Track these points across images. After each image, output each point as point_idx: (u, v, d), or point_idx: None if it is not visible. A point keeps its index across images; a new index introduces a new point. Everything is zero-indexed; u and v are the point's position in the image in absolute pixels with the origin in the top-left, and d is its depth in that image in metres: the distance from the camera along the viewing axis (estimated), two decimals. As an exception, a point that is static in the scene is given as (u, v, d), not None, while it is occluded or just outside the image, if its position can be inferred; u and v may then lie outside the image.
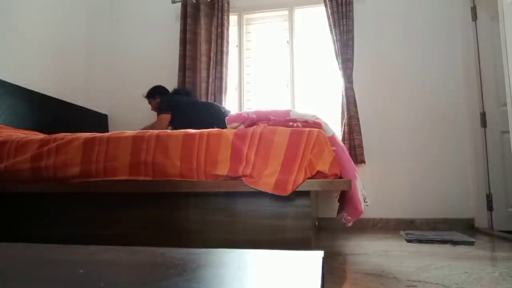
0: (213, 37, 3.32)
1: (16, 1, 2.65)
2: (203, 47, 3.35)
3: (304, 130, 1.68)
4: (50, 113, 2.81)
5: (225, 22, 3.31)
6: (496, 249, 2.10)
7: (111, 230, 1.80)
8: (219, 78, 3.24)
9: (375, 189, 3.07)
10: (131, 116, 3.05)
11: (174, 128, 2.67)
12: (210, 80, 3.27)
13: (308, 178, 1.60)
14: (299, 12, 3.46)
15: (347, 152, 1.81)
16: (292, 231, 1.65)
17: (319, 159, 1.62)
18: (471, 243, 2.24)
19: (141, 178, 1.73)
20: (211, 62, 3.30)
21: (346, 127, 3.03)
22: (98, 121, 3.40)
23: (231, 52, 3.42)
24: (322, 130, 1.72)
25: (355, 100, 3.05)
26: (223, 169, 1.66)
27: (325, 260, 0.62)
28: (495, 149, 2.89)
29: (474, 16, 3.04)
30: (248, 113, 1.85)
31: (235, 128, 1.83)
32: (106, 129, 3.50)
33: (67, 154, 1.80)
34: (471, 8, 3.05)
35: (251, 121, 1.84)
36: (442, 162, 3.03)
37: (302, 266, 0.59)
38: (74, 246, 0.76)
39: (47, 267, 0.62)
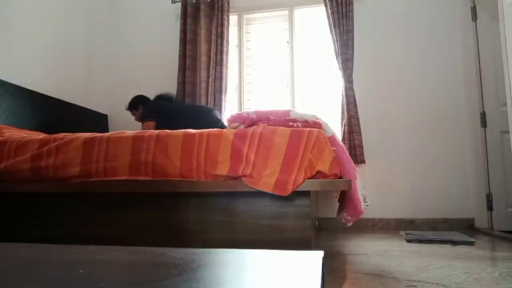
0: (213, 37, 3.32)
1: (16, 1, 2.66)
2: (203, 47, 3.35)
3: (304, 130, 1.68)
4: (50, 113, 2.81)
5: (225, 22, 3.31)
6: (496, 249, 2.10)
7: (111, 230, 1.80)
8: (219, 78, 3.24)
9: (375, 189, 3.07)
10: (131, 116, 3.05)
11: None
12: (210, 80, 3.27)
13: (308, 178, 1.60)
14: (299, 12, 3.46)
15: (347, 152, 1.81)
16: (292, 231, 1.65)
17: (319, 159, 1.62)
18: (471, 243, 2.24)
19: (141, 178, 1.73)
20: (211, 62, 3.30)
21: (346, 127, 3.03)
22: (98, 121, 3.40)
23: (231, 52, 3.42)
24: (322, 130, 1.72)
25: (355, 100, 3.05)
26: (223, 169, 1.66)
27: (325, 260, 0.62)
28: (495, 149, 2.89)
29: (474, 16, 3.04)
30: (248, 113, 1.85)
31: (235, 128, 1.83)
32: (106, 129, 3.50)
33: (67, 154, 1.80)
34: (471, 8, 3.05)
35: (251, 121, 1.84)
36: (442, 162, 3.03)
37: (302, 266, 0.59)
38: (74, 246, 0.76)
39: (47, 267, 0.62)
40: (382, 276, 1.51)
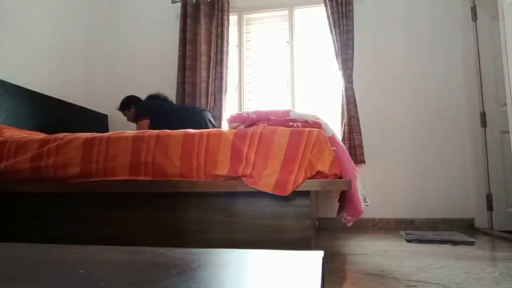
0: (213, 37, 3.32)
1: (16, 1, 2.66)
2: (203, 47, 3.35)
3: (304, 130, 1.68)
4: (50, 113, 2.81)
5: (225, 22, 3.31)
6: (496, 249, 2.10)
7: (111, 230, 1.80)
8: (219, 78, 3.24)
9: (375, 189, 3.07)
10: (131, 116, 3.06)
11: None
12: (210, 80, 3.27)
13: (308, 178, 1.60)
14: (299, 12, 3.46)
15: (347, 152, 1.81)
16: (292, 231, 1.65)
17: (319, 159, 1.62)
18: (471, 243, 2.24)
19: (141, 178, 1.73)
20: (211, 62, 3.30)
21: (346, 127, 3.03)
22: (98, 121, 3.40)
23: (231, 52, 3.42)
24: (322, 130, 1.72)
25: (355, 100, 3.05)
26: (223, 169, 1.66)
27: (325, 260, 0.62)
28: (495, 149, 2.89)
29: (474, 16, 3.04)
30: (248, 113, 1.85)
31: (235, 128, 1.83)
32: (106, 129, 3.50)
33: (67, 154, 1.80)
34: (471, 8, 3.05)
35: (251, 121, 1.84)
36: (442, 162, 3.03)
37: (302, 266, 0.59)
38: (74, 246, 0.76)
39: (47, 267, 0.62)
40: (382, 276, 1.51)
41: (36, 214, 1.88)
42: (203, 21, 3.37)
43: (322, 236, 2.69)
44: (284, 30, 3.47)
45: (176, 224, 1.74)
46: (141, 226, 1.78)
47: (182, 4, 3.43)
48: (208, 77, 3.32)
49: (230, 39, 3.36)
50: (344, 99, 3.06)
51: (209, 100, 3.24)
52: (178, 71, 3.37)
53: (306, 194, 1.64)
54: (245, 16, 3.54)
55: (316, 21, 3.41)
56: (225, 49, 3.28)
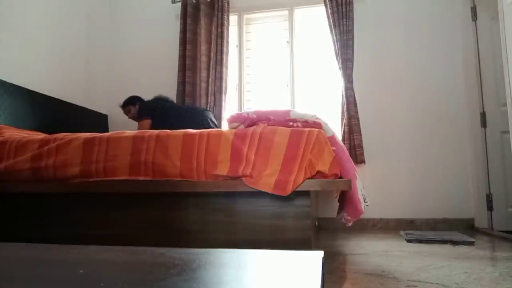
0: (213, 37, 3.32)
1: (16, 1, 2.65)
2: (203, 47, 3.35)
3: (304, 130, 1.68)
4: (50, 113, 2.81)
5: (225, 22, 3.31)
6: (496, 249, 2.10)
7: (111, 230, 1.80)
8: (219, 78, 3.24)
9: (375, 189, 3.07)
10: (131, 116, 3.06)
11: None
12: (210, 80, 3.27)
13: (308, 178, 1.60)
14: (299, 12, 3.46)
15: (347, 152, 1.81)
16: (292, 231, 1.65)
17: (319, 159, 1.62)
18: (471, 243, 2.24)
19: (141, 178, 1.73)
20: (211, 62, 3.30)
21: (346, 127, 3.03)
22: (98, 121, 3.40)
23: (231, 52, 3.42)
24: (322, 130, 1.72)
25: (355, 100, 3.05)
26: (223, 169, 1.66)
27: (325, 260, 0.62)
28: (495, 149, 2.89)
29: (474, 16, 3.04)
30: (248, 113, 1.85)
31: (235, 128, 1.83)
32: (106, 129, 3.50)
33: (67, 154, 1.80)
34: (471, 8, 3.05)
35: (251, 121, 1.84)
36: (442, 162, 3.03)
37: (302, 266, 0.59)
38: (74, 246, 0.76)
39: (47, 267, 0.62)
40: (382, 276, 1.51)
41: (36, 214, 1.88)
42: (203, 21, 3.37)
43: (322, 236, 2.69)
44: (284, 30, 3.47)
45: (176, 224, 1.74)
46: (141, 226, 1.78)
47: (182, 4, 3.43)
48: (208, 77, 3.32)
49: (230, 39, 3.36)
50: (344, 99, 3.06)
51: (209, 100, 3.24)
52: (178, 71, 3.37)
53: (306, 194, 1.64)
54: (245, 16, 3.54)
55: (316, 21, 3.41)
56: (225, 49, 3.28)
